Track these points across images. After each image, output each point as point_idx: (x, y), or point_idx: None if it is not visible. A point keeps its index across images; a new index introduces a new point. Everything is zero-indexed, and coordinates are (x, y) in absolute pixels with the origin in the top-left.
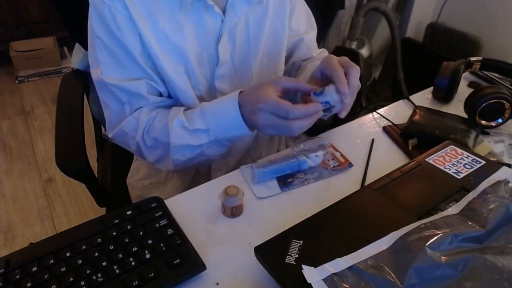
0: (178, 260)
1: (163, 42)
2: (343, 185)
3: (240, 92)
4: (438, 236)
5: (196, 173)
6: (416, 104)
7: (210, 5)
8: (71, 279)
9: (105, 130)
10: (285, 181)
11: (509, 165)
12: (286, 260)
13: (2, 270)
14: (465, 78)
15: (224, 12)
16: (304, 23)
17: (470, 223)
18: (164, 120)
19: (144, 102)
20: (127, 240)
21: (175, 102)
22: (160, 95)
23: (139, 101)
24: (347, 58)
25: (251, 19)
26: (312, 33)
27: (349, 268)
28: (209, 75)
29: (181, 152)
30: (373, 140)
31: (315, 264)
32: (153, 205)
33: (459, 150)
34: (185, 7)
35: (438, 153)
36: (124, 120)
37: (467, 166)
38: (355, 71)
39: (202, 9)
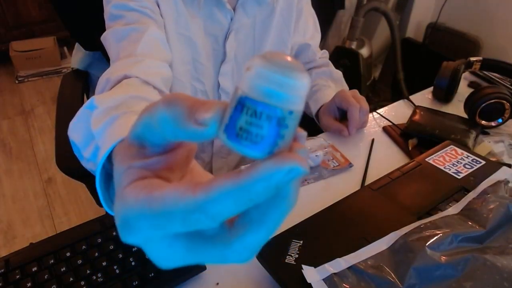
0: None
1: (181, 26)
2: (343, 185)
3: None
4: (438, 236)
5: None
6: (416, 104)
7: (223, 1)
8: (71, 279)
9: None
10: None
11: (509, 165)
12: (286, 260)
13: (2, 270)
14: (465, 78)
15: (234, 10)
16: (311, 27)
17: (470, 223)
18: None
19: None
20: None
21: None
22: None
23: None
24: (357, 91)
25: (258, 19)
26: (317, 37)
27: (349, 268)
28: (213, 71)
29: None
30: (373, 140)
31: (315, 264)
32: None
33: (459, 150)
34: (197, 1)
35: (438, 153)
36: None
37: (467, 166)
38: (367, 109)
39: (213, 4)
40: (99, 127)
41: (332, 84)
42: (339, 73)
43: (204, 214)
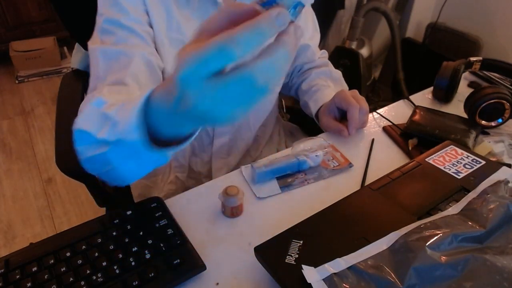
0: (178, 260)
1: (173, 30)
2: (343, 185)
3: None
4: (438, 236)
5: (197, 173)
6: (416, 104)
7: (219, 2)
8: (71, 279)
9: None
10: (285, 181)
11: (509, 165)
12: (286, 260)
13: (2, 270)
14: (465, 78)
15: None
16: (310, 27)
17: (470, 223)
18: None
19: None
20: (127, 240)
21: None
22: None
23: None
24: (357, 91)
25: None
26: (317, 37)
27: (349, 268)
28: None
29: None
30: (373, 140)
31: (315, 264)
32: (153, 205)
33: (459, 150)
34: (192, 2)
35: (438, 153)
36: None
37: (467, 166)
38: (367, 109)
39: (210, 5)
40: (116, 107)
41: (332, 84)
42: (338, 73)
43: (235, 44)
